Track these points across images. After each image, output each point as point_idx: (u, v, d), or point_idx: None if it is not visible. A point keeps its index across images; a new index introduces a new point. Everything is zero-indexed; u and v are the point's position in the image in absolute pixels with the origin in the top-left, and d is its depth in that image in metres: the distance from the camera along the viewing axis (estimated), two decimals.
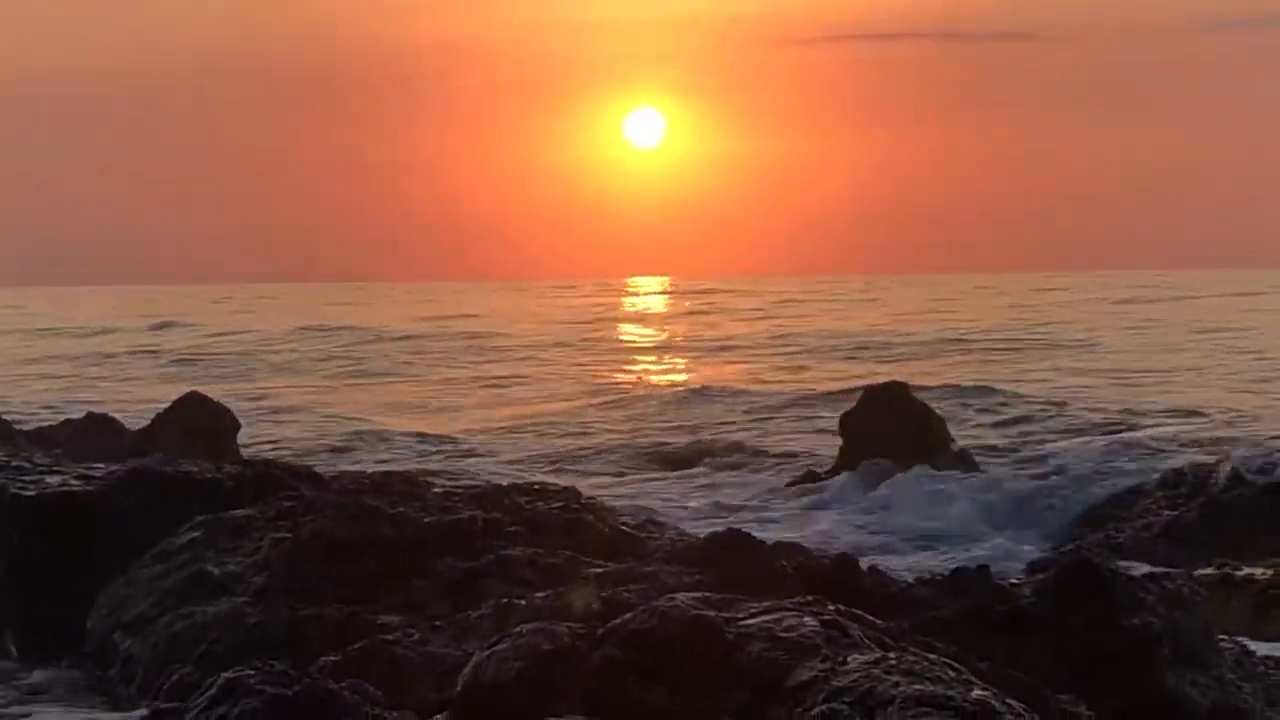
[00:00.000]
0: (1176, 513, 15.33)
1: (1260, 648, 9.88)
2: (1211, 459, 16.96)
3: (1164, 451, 20.19)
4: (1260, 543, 14.25)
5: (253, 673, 7.37)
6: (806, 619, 6.70)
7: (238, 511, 11.96)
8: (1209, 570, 13.16)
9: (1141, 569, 10.33)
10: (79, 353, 54.41)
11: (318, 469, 14.66)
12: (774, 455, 23.53)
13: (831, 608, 6.88)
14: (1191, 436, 23.44)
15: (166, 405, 21.46)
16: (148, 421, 21.26)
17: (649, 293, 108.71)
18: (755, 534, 9.98)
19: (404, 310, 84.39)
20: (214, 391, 23.49)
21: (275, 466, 13.91)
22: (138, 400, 33.86)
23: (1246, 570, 13.04)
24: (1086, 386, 34.26)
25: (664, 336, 62.14)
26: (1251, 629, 11.41)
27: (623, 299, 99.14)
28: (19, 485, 12.43)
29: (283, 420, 30.64)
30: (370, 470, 16.37)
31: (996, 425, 26.40)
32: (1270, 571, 12.89)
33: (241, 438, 21.33)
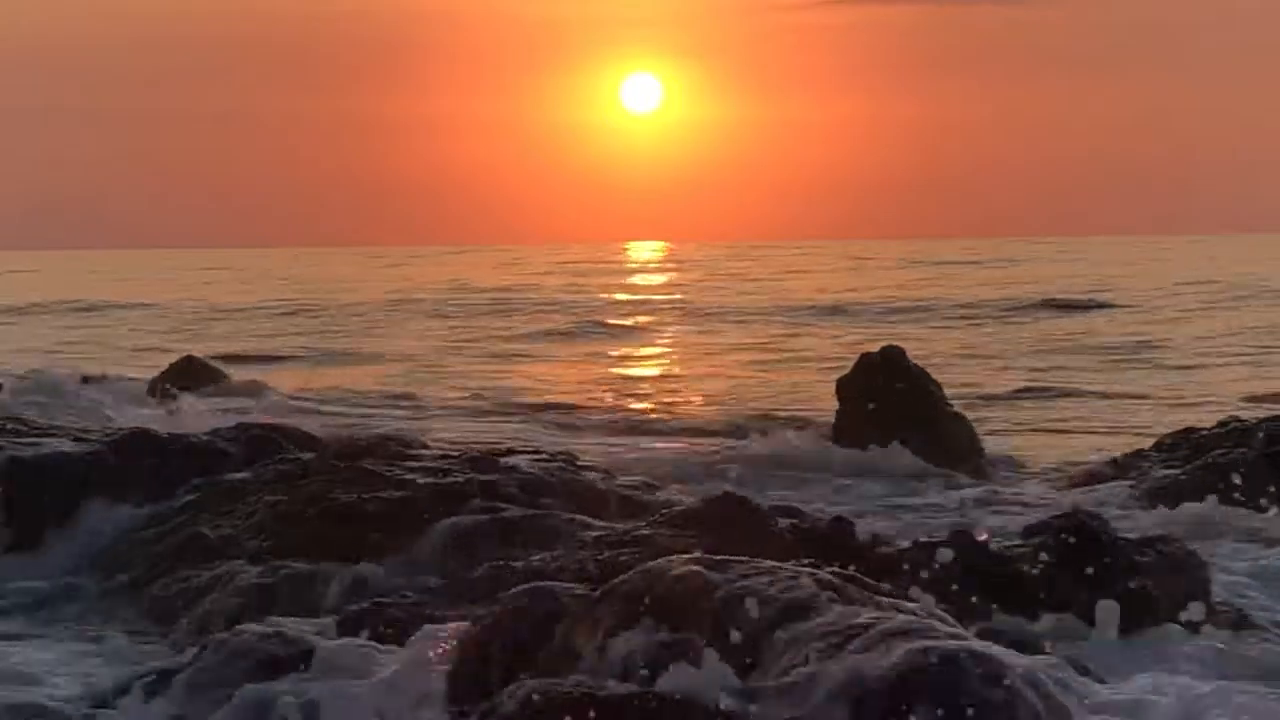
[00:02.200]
0: (1174, 474, 15.32)
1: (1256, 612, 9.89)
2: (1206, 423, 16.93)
3: None
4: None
5: (249, 635, 7.39)
6: (802, 580, 6.69)
7: (234, 474, 11.96)
8: None
9: (1139, 532, 10.34)
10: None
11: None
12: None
13: (827, 569, 6.87)
14: None
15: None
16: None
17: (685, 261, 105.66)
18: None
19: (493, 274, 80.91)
20: None
21: (271, 429, 13.90)
22: None
23: None
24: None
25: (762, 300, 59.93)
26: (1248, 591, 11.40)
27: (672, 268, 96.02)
28: (16, 448, 12.42)
29: None
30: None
31: None
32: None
33: None
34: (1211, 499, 13.61)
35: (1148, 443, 17.22)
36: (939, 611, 6.61)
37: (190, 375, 23.37)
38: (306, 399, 24.70)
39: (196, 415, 17.55)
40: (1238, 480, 13.43)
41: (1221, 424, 16.19)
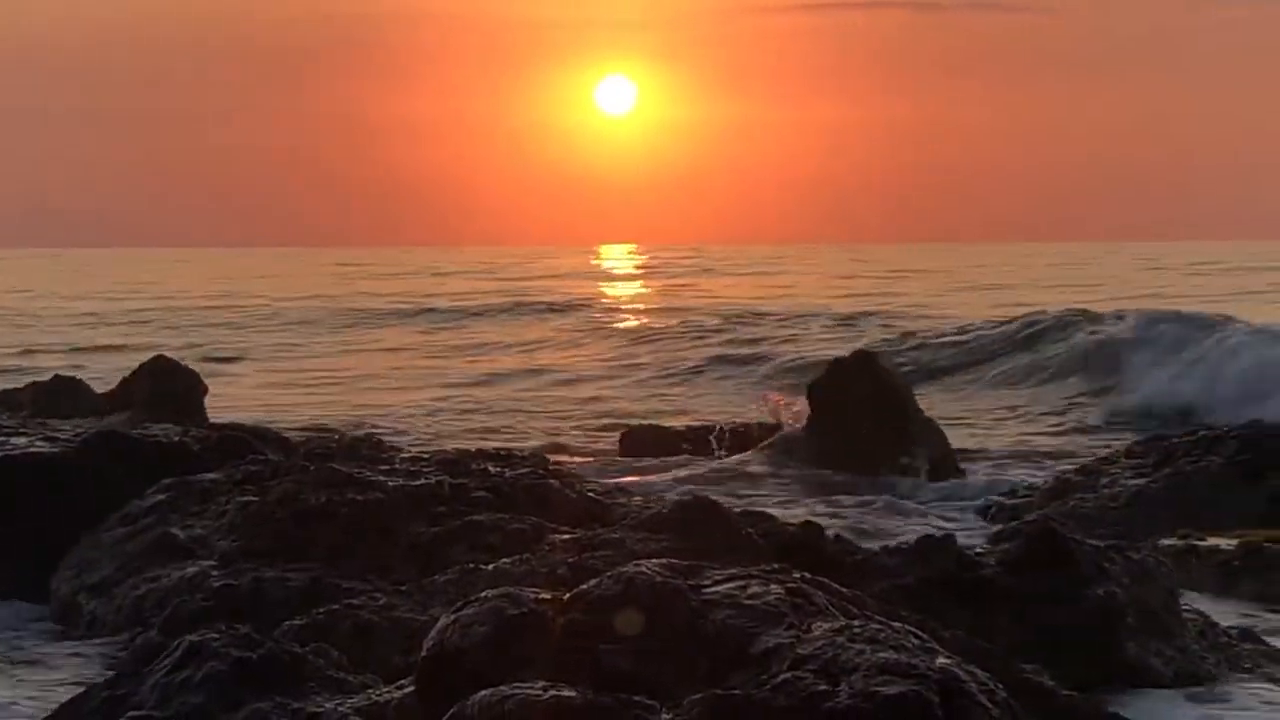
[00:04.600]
0: (1143, 482, 15.36)
1: (1224, 619, 9.93)
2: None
3: None
4: (1226, 514, 14.28)
5: (217, 636, 7.38)
6: (772, 586, 6.71)
7: (204, 475, 11.94)
8: (1173, 541, 13.20)
9: (1106, 539, 10.37)
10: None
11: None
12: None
13: (797, 575, 6.89)
14: None
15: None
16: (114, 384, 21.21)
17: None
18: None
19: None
20: None
21: (242, 430, 13.89)
22: None
23: (1211, 541, 13.08)
24: None
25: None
26: (1216, 600, 11.45)
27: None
28: None
29: None
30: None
31: None
32: (1235, 542, 12.93)
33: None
34: None
35: None
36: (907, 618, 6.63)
37: None
38: None
39: None
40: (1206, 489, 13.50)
41: (1191, 431, 16.23)
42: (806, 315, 45.42)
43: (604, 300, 58.82)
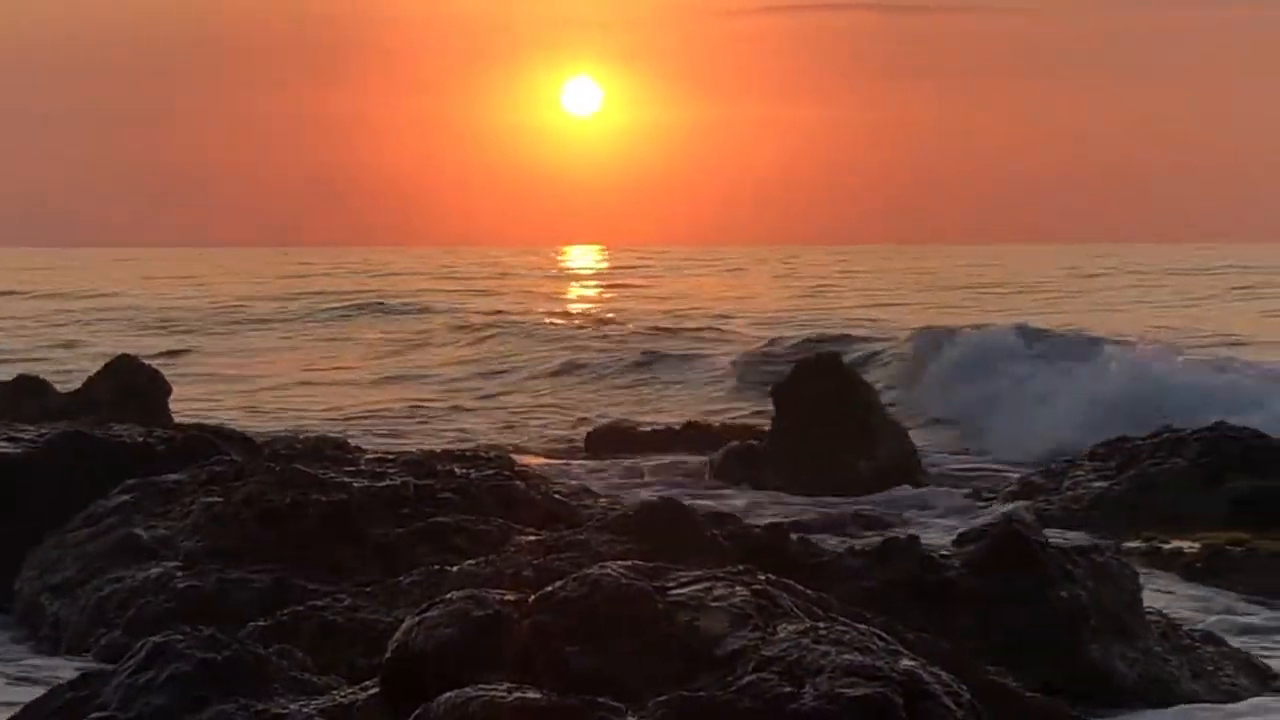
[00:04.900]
0: (1107, 485, 15.42)
1: (1187, 621, 9.98)
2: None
3: None
4: (1189, 516, 14.34)
5: (181, 637, 7.35)
6: (737, 588, 6.71)
7: (169, 476, 11.91)
8: (1137, 543, 13.25)
9: (1071, 541, 10.40)
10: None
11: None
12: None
13: (762, 577, 6.90)
14: None
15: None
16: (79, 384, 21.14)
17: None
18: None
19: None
20: None
21: (207, 430, 13.86)
22: None
23: (1174, 543, 13.14)
24: None
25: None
26: (1179, 602, 11.49)
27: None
28: None
29: None
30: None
31: None
32: (1198, 545, 12.99)
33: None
34: None
35: None
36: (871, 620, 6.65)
37: None
38: None
39: None
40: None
41: (1154, 434, 16.29)
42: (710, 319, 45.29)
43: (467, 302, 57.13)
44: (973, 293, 61.79)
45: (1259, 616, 11.26)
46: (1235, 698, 8.91)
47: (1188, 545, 13.00)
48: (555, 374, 33.71)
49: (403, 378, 34.20)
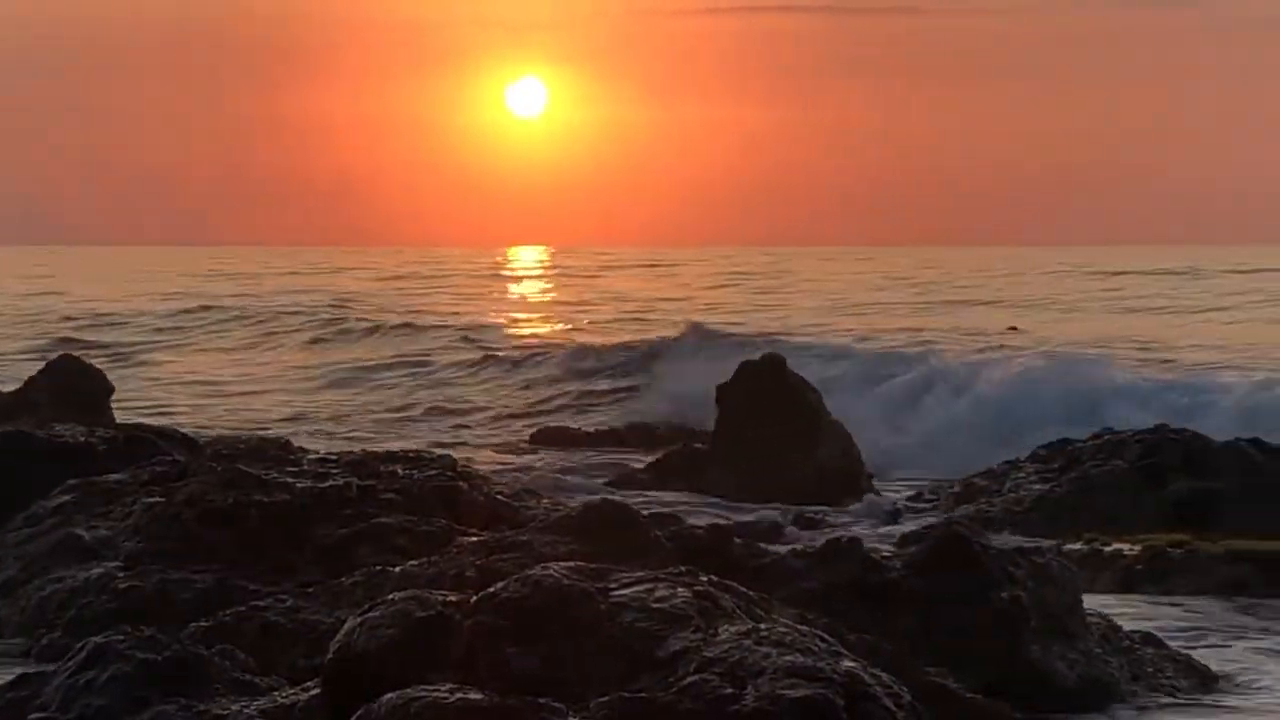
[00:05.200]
0: (1048, 486, 15.48)
1: (1126, 622, 10.02)
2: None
3: None
4: (1130, 518, 14.41)
5: (122, 638, 7.33)
6: (679, 589, 6.72)
7: (110, 476, 11.85)
8: (1078, 545, 13.30)
9: (1012, 543, 10.44)
10: None
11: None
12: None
13: (704, 578, 6.91)
14: None
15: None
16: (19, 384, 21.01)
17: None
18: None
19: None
20: None
21: (148, 431, 13.80)
22: None
23: (1115, 545, 13.19)
24: None
25: None
26: (1119, 603, 11.54)
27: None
28: None
29: None
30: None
31: None
32: (1138, 547, 13.05)
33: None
34: None
35: None
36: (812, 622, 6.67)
37: None
38: None
39: None
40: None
41: (1096, 435, 16.37)
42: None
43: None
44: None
45: (1199, 618, 11.31)
46: (1175, 699, 8.96)
47: (1129, 547, 13.05)
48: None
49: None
